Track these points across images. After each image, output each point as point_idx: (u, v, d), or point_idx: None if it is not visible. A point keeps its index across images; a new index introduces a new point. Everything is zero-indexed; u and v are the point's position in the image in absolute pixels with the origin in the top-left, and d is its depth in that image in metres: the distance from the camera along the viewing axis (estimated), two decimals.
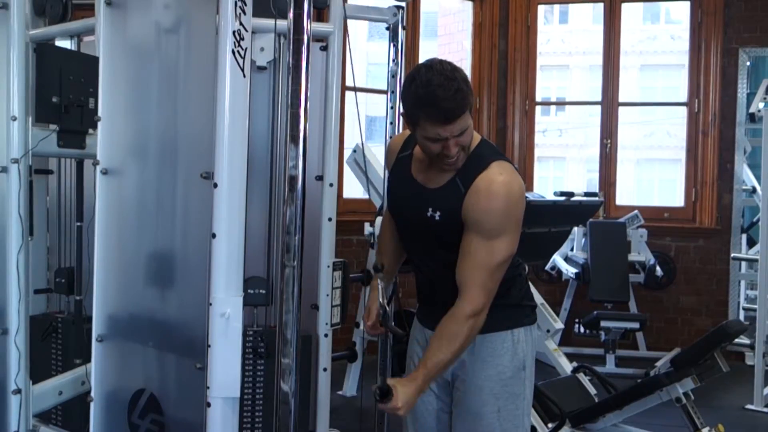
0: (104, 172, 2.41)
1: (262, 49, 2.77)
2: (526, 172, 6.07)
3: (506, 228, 1.92)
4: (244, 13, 1.95)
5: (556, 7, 15.24)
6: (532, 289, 2.89)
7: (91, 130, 2.74)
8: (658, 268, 5.50)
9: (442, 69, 1.84)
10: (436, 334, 1.95)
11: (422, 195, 2.01)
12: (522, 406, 2.06)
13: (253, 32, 2.00)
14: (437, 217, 1.97)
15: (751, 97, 5.52)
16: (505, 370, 2.03)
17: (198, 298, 2.08)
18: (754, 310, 4.87)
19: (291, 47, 1.91)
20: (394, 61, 3.36)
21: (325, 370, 2.91)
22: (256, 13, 2.02)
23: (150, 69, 2.36)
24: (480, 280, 1.92)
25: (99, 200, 2.42)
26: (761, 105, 4.76)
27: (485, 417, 2.02)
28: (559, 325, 4.08)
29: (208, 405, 1.98)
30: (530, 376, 2.09)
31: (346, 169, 4.45)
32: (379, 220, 3.89)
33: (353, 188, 5.15)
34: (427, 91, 1.82)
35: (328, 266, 2.91)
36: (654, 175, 15.53)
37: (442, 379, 2.10)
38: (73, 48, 3.13)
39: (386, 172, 3.12)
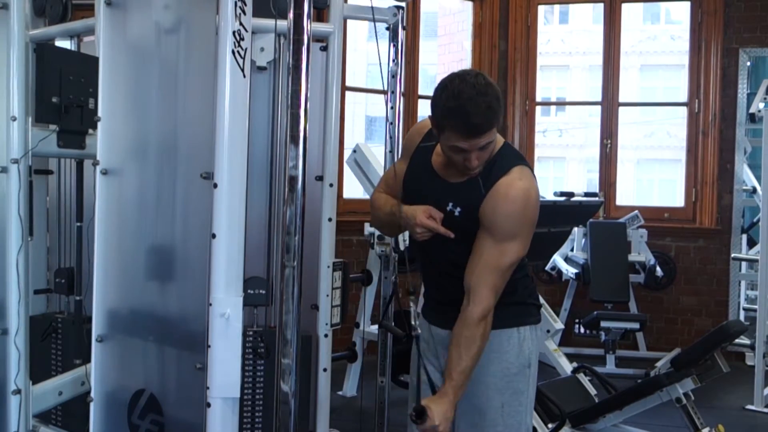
0: (104, 173, 2.41)
1: (262, 50, 2.77)
2: None
3: (520, 232, 1.96)
4: (244, 14, 1.95)
5: (556, 7, 15.24)
6: None
7: (91, 130, 2.74)
8: (658, 268, 5.49)
9: (475, 82, 1.83)
10: (453, 342, 1.97)
11: (443, 188, 2.01)
12: (525, 404, 2.07)
13: (253, 32, 2.00)
14: (457, 213, 1.98)
15: (751, 97, 5.52)
16: (510, 366, 2.04)
17: (198, 298, 2.08)
18: (755, 310, 4.87)
19: (291, 47, 1.91)
20: (394, 61, 3.36)
21: (325, 370, 2.91)
22: (256, 14, 2.02)
23: (150, 69, 2.36)
24: (490, 282, 1.94)
25: (99, 200, 2.42)
26: (761, 105, 4.75)
27: (489, 412, 2.04)
28: (559, 325, 4.08)
29: (208, 405, 1.98)
30: (534, 375, 2.11)
31: (346, 169, 4.45)
32: None
33: (353, 188, 5.15)
34: (456, 104, 1.82)
35: (328, 266, 2.90)
36: (654, 175, 15.53)
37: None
38: (73, 48, 3.12)
39: (396, 151, 3.08)
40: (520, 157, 2.04)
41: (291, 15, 1.90)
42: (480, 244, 1.95)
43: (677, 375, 3.32)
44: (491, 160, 1.97)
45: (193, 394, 2.13)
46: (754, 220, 5.63)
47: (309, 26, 1.90)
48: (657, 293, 5.79)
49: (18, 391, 2.60)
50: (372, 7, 2.39)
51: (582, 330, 5.44)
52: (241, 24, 1.94)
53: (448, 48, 10.18)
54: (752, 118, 5.35)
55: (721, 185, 5.74)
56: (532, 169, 2.02)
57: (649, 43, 15.41)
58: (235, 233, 1.98)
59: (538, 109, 6.38)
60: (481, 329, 1.94)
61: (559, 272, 5.63)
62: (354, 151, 4.22)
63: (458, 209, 1.99)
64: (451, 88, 1.84)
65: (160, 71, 2.34)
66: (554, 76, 15.44)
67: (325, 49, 2.90)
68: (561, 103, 17.02)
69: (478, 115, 1.81)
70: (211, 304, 1.97)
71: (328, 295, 2.90)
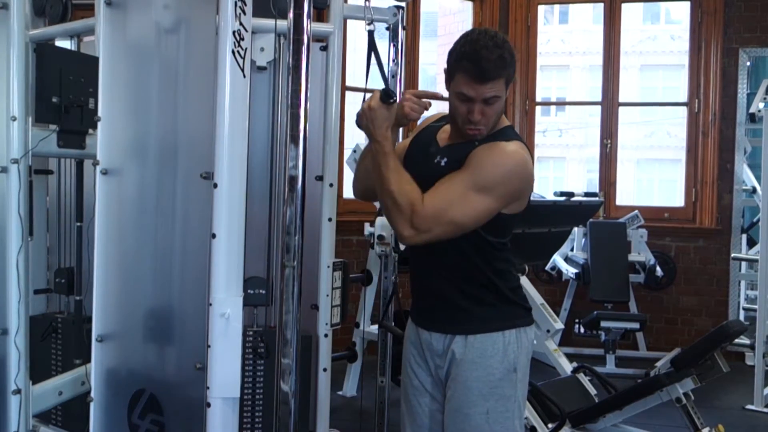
0: (104, 172, 2.41)
1: (262, 49, 2.77)
2: None
3: (494, 189, 1.90)
4: (244, 13, 1.95)
5: (556, 7, 15.24)
6: (533, 289, 2.89)
7: (91, 130, 2.75)
8: (658, 268, 5.50)
9: (494, 35, 1.91)
10: (407, 176, 1.92)
11: (437, 150, 2.02)
12: (512, 409, 2.02)
13: (253, 32, 2.00)
14: (442, 163, 1.97)
15: (751, 97, 5.52)
16: (494, 371, 2.00)
17: (198, 298, 2.08)
18: (754, 310, 4.87)
19: (291, 47, 1.91)
20: (394, 61, 3.36)
21: (325, 370, 2.91)
22: (256, 13, 2.02)
23: (150, 69, 2.36)
24: (437, 205, 1.87)
25: (99, 200, 2.42)
26: (761, 105, 4.75)
27: (473, 418, 2.00)
28: (559, 325, 4.08)
29: (208, 405, 1.98)
30: (523, 379, 2.06)
31: (346, 169, 4.45)
32: (379, 219, 3.88)
33: None
34: (472, 48, 1.88)
35: (328, 266, 2.90)
36: (654, 175, 15.54)
37: (437, 378, 2.10)
38: (73, 48, 3.12)
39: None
40: (522, 139, 2.04)
41: (291, 15, 1.90)
42: (452, 175, 1.90)
43: (677, 375, 3.31)
44: (492, 133, 1.97)
45: (193, 393, 2.13)
46: (754, 220, 5.63)
47: (309, 26, 1.90)
48: (657, 293, 5.79)
49: (18, 391, 2.60)
50: (371, 7, 2.39)
51: (582, 330, 5.44)
52: (241, 24, 1.94)
53: (448, 48, 10.18)
54: (752, 118, 5.35)
55: (721, 185, 5.74)
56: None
57: (649, 43, 15.43)
58: (235, 233, 1.98)
59: (538, 109, 6.38)
60: (406, 206, 1.86)
61: (559, 272, 5.63)
62: (354, 151, 4.22)
63: (444, 159, 1.97)
64: (471, 36, 1.92)
65: (160, 71, 2.34)
66: (554, 76, 15.46)
67: (325, 49, 2.90)
68: (561, 103, 17.04)
69: (489, 61, 1.86)
70: (211, 304, 1.97)
71: (328, 295, 2.90)
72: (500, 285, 2.04)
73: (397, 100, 1.92)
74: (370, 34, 2.00)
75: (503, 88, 1.91)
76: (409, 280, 2.19)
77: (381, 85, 2.19)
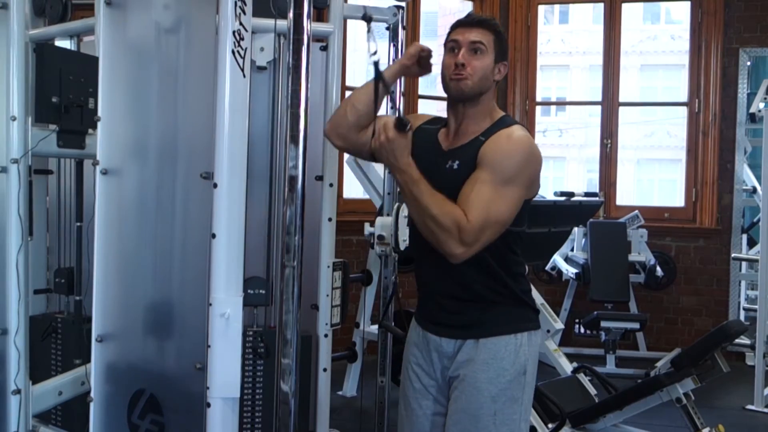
0: (104, 172, 2.41)
1: (262, 49, 2.77)
2: None
3: (518, 178, 1.91)
4: (244, 13, 1.95)
5: (556, 7, 15.26)
6: (533, 289, 2.85)
7: (91, 130, 2.75)
8: (658, 268, 5.50)
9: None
10: (441, 196, 1.89)
11: (444, 154, 2.01)
12: (519, 411, 2.03)
13: (253, 32, 2.01)
14: (456, 166, 1.96)
15: (751, 97, 5.52)
16: (505, 373, 2.00)
17: (198, 298, 2.08)
18: (755, 310, 4.87)
19: (291, 47, 1.91)
20: (394, 60, 3.35)
21: (325, 370, 2.91)
22: (256, 13, 2.02)
23: (150, 69, 2.36)
24: (479, 214, 1.86)
25: (99, 200, 2.42)
26: (761, 105, 4.76)
27: (481, 419, 1.99)
28: (560, 325, 4.08)
29: (208, 405, 1.98)
30: (531, 382, 2.06)
31: (346, 169, 4.45)
32: (379, 219, 3.89)
33: (353, 188, 5.15)
34: (466, 15, 2.04)
35: (328, 266, 2.90)
36: (654, 175, 15.56)
37: (441, 380, 2.09)
38: (73, 48, 3.12)
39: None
40: (520, 122, 2.07)
41: (291, 15, 1.90)
42: (477, 176, 1.90)
43: (677, 375, 3.32)
44: (492, 124, 1.98)
45: (193, 393, 2.13)
46: (754, 220, 5.63)
47: (309, 26, 1.90)
48: (657, 293, 5.79)
49: (18, 391, 2.60)
50: (366, 6, 2.39)
51: (582, 330, 5.44)
52: (241, 24, 1.94)
53: None
54: (752, 117, 5.36)
55: (721, 185, 5.74)
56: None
57: (649, 43, 15.44)
58: (235, 233, 1.98)
59: (538, 109, 6.38)
60: (452, 224, 1.84)
61: (559, 272, 5.63)
62: None
63: (456, 162, 1.96)
64: None
65: (160, 71, 2.35)
66: (554, 76, 15.48)
67: (325, 49, 2.90)
68: (561, 103, 17.05)
69: (478, 15, 2.03)
70: (211, 304, 1.97)
71: (328, 295, 2.90)
72: (514, 288, 2.04)
73: (404, 131, 1.88)
74: (376, 66, 2.00)
75: (491, 42, 1.98)
76: (416, 282, 2.18)
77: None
